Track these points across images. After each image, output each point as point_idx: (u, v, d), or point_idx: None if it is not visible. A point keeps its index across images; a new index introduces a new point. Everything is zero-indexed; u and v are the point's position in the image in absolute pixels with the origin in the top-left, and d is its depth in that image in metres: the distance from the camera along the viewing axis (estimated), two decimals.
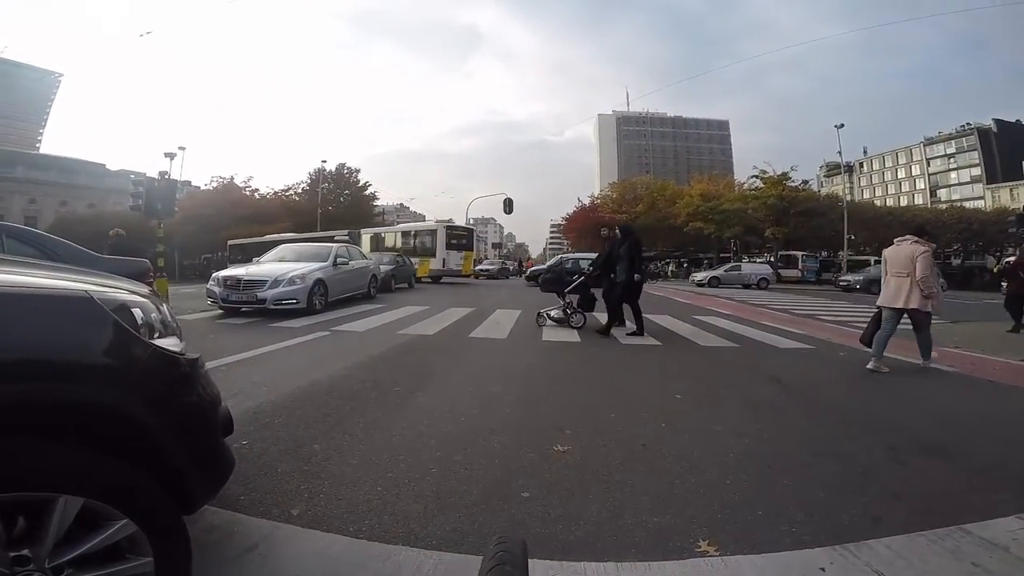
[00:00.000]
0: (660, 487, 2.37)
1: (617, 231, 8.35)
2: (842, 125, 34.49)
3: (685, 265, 43.51)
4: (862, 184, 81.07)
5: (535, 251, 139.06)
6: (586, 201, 54.59)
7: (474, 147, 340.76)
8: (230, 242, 32.87)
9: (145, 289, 1.67)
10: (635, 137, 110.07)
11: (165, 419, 1.35)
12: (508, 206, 28.87)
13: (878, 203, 60.60)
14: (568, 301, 7.95)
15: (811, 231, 37.26)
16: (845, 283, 23.94)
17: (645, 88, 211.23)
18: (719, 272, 28.38)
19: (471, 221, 38.78)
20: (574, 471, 2.54)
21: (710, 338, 7.33)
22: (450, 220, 27.96)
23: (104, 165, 70.66)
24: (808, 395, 4.28)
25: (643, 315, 7.60)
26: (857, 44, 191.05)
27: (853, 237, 36.82)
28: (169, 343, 1.49)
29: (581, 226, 52.47)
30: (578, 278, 8.20)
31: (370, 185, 49.38)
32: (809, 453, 2.85)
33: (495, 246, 61.60)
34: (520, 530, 1.94)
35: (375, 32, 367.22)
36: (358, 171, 49.49)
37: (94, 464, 1.20)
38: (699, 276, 29.79)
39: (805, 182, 40.60)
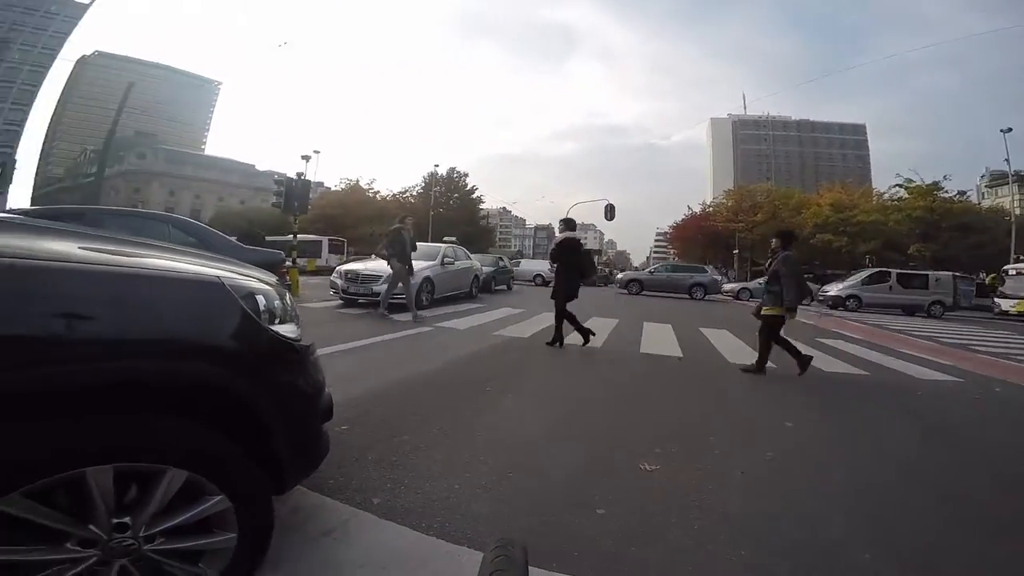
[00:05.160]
0: (755, 520, 2.16)
1: None
2: (1010, 129, 29.61)
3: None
4: None
5: (638, 259, 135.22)
6: (697, 209, 51.78)
7: (574, 151, 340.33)
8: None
9: (272, 278, 1.75)
10: (753, 142, 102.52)
11: (274, 402, 1.41)
12: (610, 212, 28.23)
13: None
14: None
15: (967, 249, 32.30)
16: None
17: (765, 88, 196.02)
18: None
19: None
20: (658, 492, 2.39)
21: (834, 363, 6.58)
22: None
23: (254, 166, 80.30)
24: (951, 434, 3.71)
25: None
26: None
27: (1022, 257, 31.37)
28: (287, 330, 1.55)
29: (691, 235, 49.95)
30: None
31: (477, 189, 51.06)
32: (936, 497, 2.50)
33: (595, 252, 60.71)
34: (589, 548, 1.86)
35: (476, 34, 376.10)
36: (466, 175, 51.39)
37: (203, 441, 1.26)
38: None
39: (962, 193, 35.40)
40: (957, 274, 28.59)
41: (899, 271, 21.07)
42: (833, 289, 20.55)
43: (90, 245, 1.28)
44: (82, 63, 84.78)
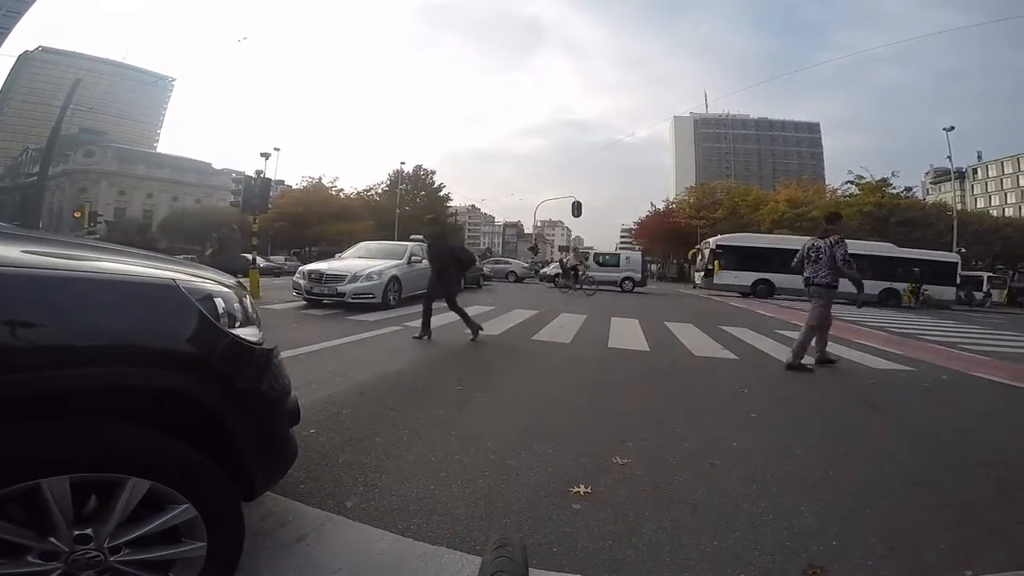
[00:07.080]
0: (725, 509, 2.21)
1: None
2: (952, 128, 31.68)
3: None
4: (976, 192, 73.64)
5: None
6: (660, 206, 52.80)
7: (543, 147, 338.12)
8: None
9: (231, 280, 1.72)
10: (714, 140, 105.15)
11: (237, 407, 1.38)
12: (576, 209, 28.47)
13: (994, 213, 54.70)
14: None
15: (913, 243, 34.05)
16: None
17: (727, 84, 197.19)
18: None
19: (538, 223, 38.81)
20: (632, 485, 2.43)
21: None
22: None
23: (210, 164, 77.40)
24: (905, 421, 3.89)
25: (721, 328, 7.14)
26: (987, 32, 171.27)
27: (964, 250, 33.24)
28: (247, 333, 1.51)
29: (655, 231, 50.94)
30: None
31: (444, 186, 50.82)
32: (900, 483, 2.59)
33: (562, 249, 61.08)
34: (567, 545, 1.88)
35: (442, 27, 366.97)
36: (433, 172, 51.15)
37: (165, 449, 1.22)
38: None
39: (908, 189, 37.32)
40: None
41: (598, 252, 26.12)
42: (547, 268, 25.56)
43: (34, 248, 1.25)
44: (24, 59, 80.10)
